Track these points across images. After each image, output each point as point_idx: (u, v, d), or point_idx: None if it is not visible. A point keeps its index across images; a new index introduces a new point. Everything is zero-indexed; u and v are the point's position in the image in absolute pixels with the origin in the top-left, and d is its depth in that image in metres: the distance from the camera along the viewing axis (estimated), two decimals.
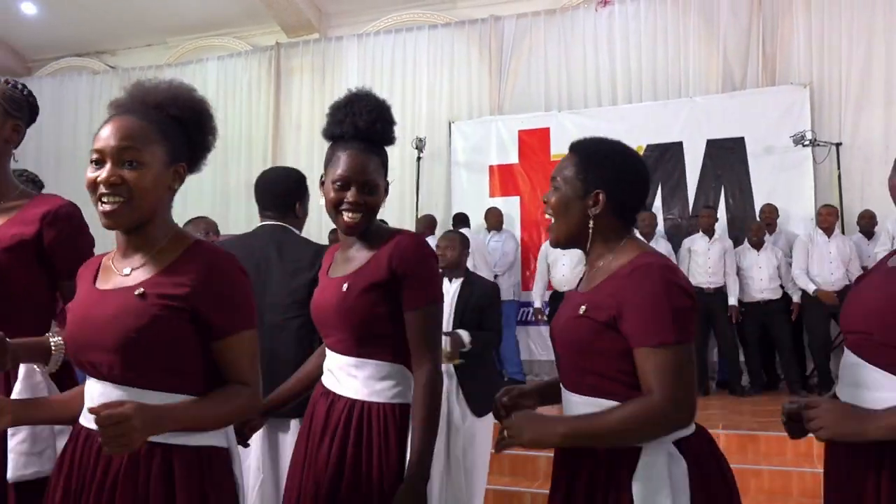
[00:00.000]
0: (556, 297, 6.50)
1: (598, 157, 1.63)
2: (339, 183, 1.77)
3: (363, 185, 1.77)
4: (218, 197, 8.65)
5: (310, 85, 8.56)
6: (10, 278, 1.79)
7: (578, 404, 1.54)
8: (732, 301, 6.21)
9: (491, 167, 7.74)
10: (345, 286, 1.76)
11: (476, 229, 7.23)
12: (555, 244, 1.67)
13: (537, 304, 6.85)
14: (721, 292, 6.25)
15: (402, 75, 8.21)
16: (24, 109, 1.97)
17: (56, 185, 9.22)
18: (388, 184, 1.85)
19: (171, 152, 1.45)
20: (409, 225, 7.46)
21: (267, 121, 8.65)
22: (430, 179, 7.91)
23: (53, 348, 1.71)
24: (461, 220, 7.10)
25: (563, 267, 6.55)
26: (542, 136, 7.59)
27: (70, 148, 9.36)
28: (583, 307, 1.53)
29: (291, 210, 2.97)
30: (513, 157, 7.68)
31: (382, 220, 2.84)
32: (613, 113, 7.40)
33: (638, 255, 1.54)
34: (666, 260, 1.54)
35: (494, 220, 7.29)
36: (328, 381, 1.83)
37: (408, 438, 1.70)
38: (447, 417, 3.60)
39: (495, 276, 6.77)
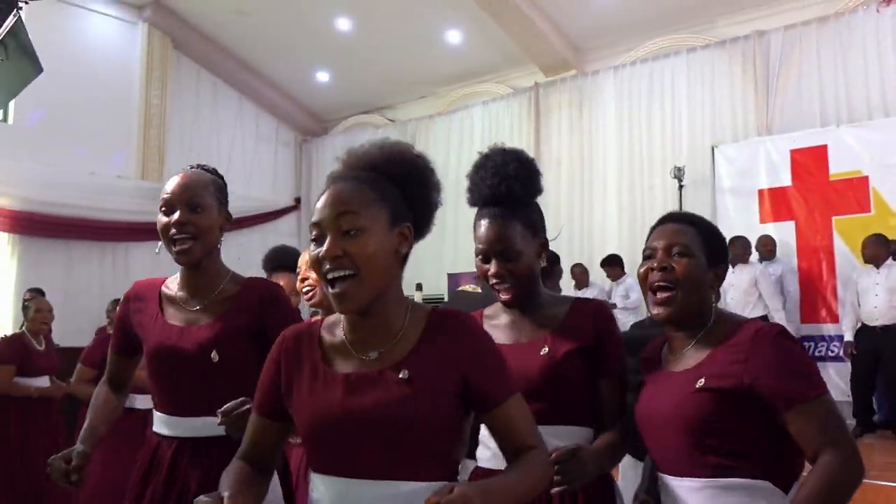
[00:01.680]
0: (864, 331, 5.93)
1: (713, 230, 1.62)
2: (480, 257, 1.73)
3: (502, 255, 1.69)
4: None
5: (568, 120, 8.74)
6: (244, 367, 1.78)
7: (697, 489, 1.46)
8: None
9: (760, 191, 7.27)
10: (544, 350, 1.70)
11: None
12: (667, 319, 1.57)
13: (848, 338, 6.10)
14: None
15: (661, 102, 8.06)
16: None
17: None
18: (541, 242, 1.76)
19: (392, 212, 1.32)
20: None
21: None
22: (694, 208, 7.61)
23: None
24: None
25: (877, 298, 5.88)
26: (819, 154, 6.97)
27: None
28: (700, 381, 1.46)
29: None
30: (785, 180, 7.14)
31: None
32: None
33: (743, 322, 1.54)
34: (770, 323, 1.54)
35: (767, 248, 6.85)
36: None
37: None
38: None
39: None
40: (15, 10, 2.21)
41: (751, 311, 6.28)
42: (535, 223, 1.74)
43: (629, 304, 7.36)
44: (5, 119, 8.37)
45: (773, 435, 1.44)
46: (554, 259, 4.13)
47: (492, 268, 1.70)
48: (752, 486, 1.43)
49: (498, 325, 1.79)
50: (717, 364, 1.48)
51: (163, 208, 1.85)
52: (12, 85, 2.36)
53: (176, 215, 1.82)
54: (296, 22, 9.19)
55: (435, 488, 1.14)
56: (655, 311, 1.58)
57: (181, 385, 1.81)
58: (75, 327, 7.24)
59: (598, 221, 8.37)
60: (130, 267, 8.84)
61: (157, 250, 1.94)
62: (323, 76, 10.38)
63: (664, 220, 1.64)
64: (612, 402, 1.69)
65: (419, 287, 7.44)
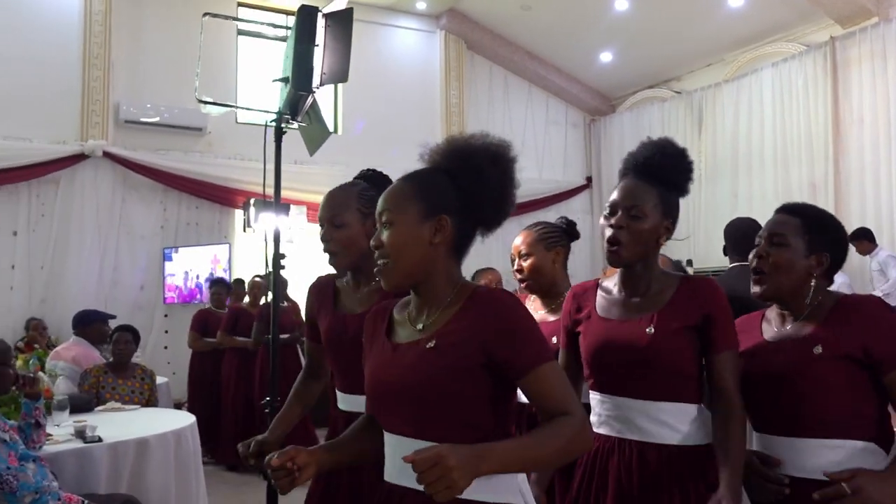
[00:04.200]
0: None
1: (819, 220, 1.79)
2: (606, 210, 1.89)
3: (628, 211, 1.83)
4: (781, 199, 8.66)
5: (870, 74, 7.98)
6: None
7: (815, 447, 1.66)
8: None
9: None
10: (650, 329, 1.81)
11: None
12: (760, 296, 1.81)
13: None
14: None
15: None
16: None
17: None
18: (669, 226, 1.87)
19: (426, 206, 1.47)
20: None
21: (826, 118, 8.36)
22: None
23: None
24: None
25: None
26: None
27: None
28: (817, 347, 1.67)
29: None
30: None
31: None
32: None
33: (844, 297, 1.74)
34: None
35: None
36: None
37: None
38: None
39: None
40: (311, 94, 3.00)
41: None
42: (667, 203, 1.88)
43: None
44: (335, 131, 9.96)
45: (875, 398, 1.64)
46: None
47: (614, 221, 1.85)
48: (860, 447, 1.63)
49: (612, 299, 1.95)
50: (829, 334, 1.70)
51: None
52: (314, 142, 3.15)
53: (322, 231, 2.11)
54: (576, 8, 9.58)
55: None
56: (752, 289, 1.84)
57: (349, 366, 1.97)
58: None
59: None
60: None
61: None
62: (606, 56, 10.62)
63: (777, 211, 1.87)
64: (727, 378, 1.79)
65: (689, 262, 7.48)
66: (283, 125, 3.21)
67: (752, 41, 9.40)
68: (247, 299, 6.98)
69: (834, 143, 8.28)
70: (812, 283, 1.77)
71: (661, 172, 1.86)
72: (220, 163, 9.02)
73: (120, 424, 3.83)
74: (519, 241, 2.59)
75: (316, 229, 2.25)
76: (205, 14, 4.25)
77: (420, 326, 1.49)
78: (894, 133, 7.74)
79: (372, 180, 2.18)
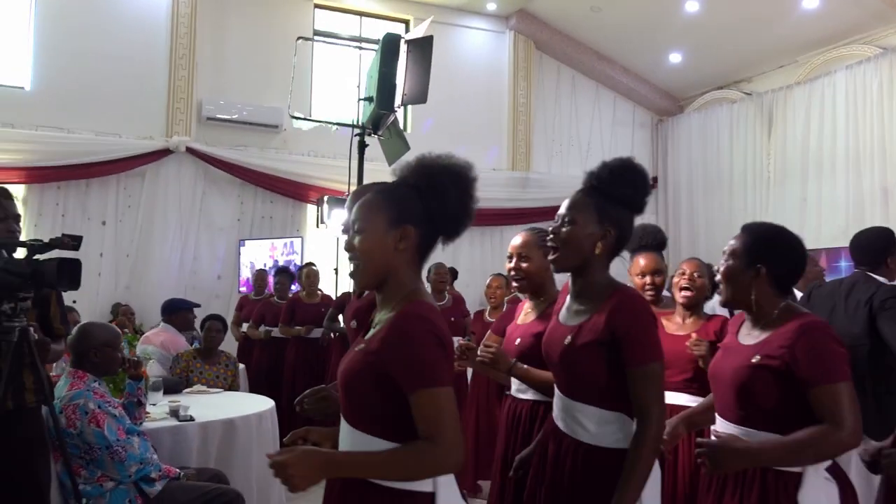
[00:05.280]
0: None
1: (762, 235, 2.07)
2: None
3: (561, 219, 2.06)
4: (852, 204, 8.62)
5: None
6: None
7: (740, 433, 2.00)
8: None
9: None
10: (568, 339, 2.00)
11: None
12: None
13: None
14: None
15: None
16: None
17: (706, 209, 10.54)
18: (608, 232, 2.01)
19: (393, 217, 1.65)
20: None
21: None
22: None
23: None
24: None
25: None
26: None
27: (715, 172, 10.58)
28: (756, 357, 1.94)
29: (882, 263, 3.57)
30: None
31: None
32: None
33: (795, 315, 2.00)
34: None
35: None
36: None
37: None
38: None
39: None
40: (394, 112, 3.24)
41: None
42: (603, 212, 2.04)
43: None
44: (405, 128, 10.22)
45: (797, 404, 1.90)
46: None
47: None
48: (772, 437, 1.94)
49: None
50: (770, 347, 1.97)
51: None
52: (394, 154, 3.39)
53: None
54: (645, 10, 9.60)
55: (374, 442, 1.55)
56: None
57: None
58: (464, 296, 8.63)
59: None
60: (504, 246, 10.07)
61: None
62: (675, 57, 10.60)
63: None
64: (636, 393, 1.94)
65: None
66: (365, 138, 3.45)
67: (825, 43, 9.27)
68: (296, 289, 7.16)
69: None
70: (751, 293, 2.06)
71: (603, 185, 2.03)
72: (295, 159, 9.40)
73: (208, 406, 4.15)
74: (518, 243, 2.74)
75: None
76: (298, 38, 4.51)
77: (376, 322, 1.69)
78: None
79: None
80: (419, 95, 3.28)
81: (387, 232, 1.65)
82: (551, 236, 2.06)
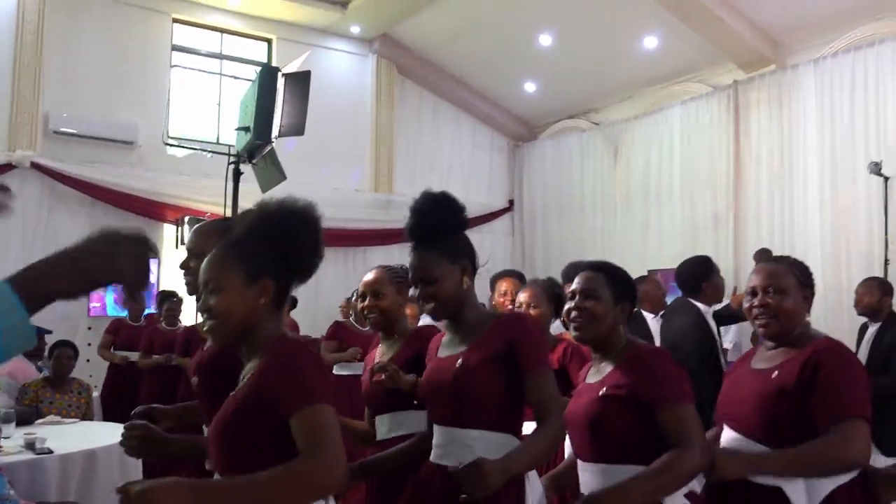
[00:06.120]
0: None
1: (619, 273, 2.19)
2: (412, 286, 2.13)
3: (422, 282, 2.06)
4: (687, 228, 9.43)
5: (767, 116, 8.75)
6: None
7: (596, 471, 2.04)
8: None
9: None
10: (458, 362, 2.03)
11: None
12: (580, 340, 2.19)
13: None
14: None
15: (864, 93, 7.86)
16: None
17: (559, 231, 11.13)
18: (465, 266, 2.07)
19: (249, 272, 1.64)
20: (876, 258, 7.17)
21: (728, 156, 9.09)
22: None
23: None
24: None
25: None
26: None
27: (567, 196, 11.21)
28: (603, 389, 2.04)
29: (699, 289, 3.98)
30: None
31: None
32: None
33: (639, 345, 2.18)
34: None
35: None
36: None
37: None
38: None
39: None
40: (270, 143, 3.29)
41: None
42: (449, 253, 2.06)
43: None
44: None
45: (647, 432, 1.98)
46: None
47: (419, 293, 2.07)
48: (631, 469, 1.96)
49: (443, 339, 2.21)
50: (615, 378, 2.05)
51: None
52: (269, 183, 3.44)
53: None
54: (503, 41, 10.08)
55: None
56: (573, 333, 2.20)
57: None
58: (325, 318, 8.66)
59: (799, 218, 8.32)
60: (368, 267, 10.22)
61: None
62: (530, 86, 11.17)
63: (581, 269, 2.21)
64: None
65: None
66: (240, 166, 3.49)
67: (663, 80, 10.10)
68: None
69: (735, 178, 9.01)
70: (621, 331, 2.14)
71: (434, 230, 2.07)
72: (151, 177, 9.07)
73: (65, 436, 4.00)
74: (370, 279, 2.77)
75: None
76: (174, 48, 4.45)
77: (245, 373, 1.69)
78: (787, 172, 8.50)
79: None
80: (297, 128, 3.36)
81: (245, 289, 1.64)
82: (422, 300, 2.08)
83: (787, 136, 8.53)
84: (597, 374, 2.15)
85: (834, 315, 7.43)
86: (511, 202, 12.31)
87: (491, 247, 11.79)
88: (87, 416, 4.96)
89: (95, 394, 5.96)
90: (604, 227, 10.50)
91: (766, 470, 1.94)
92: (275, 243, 1.67)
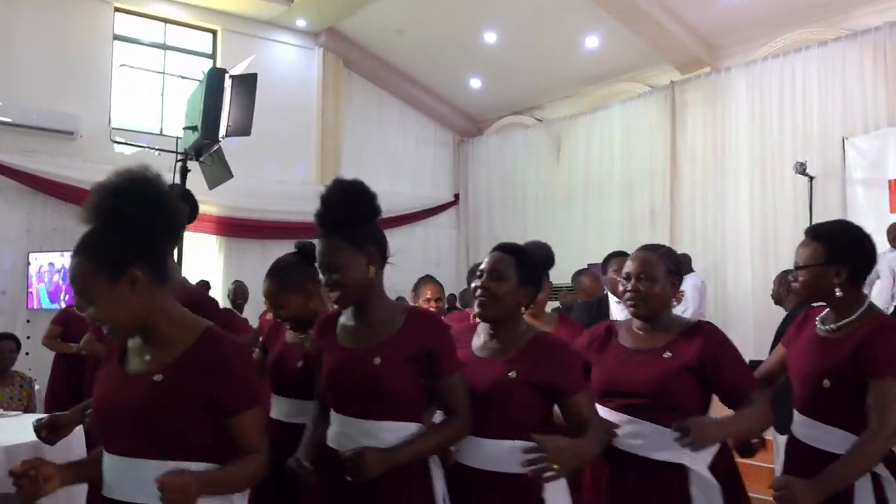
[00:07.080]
0: None
1: (529, 258, 2.20)
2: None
3: (327, 269, 2.01)
4: (626, 223, 9.75)
5: (702, 117, 9.11)
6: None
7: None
8: None
9: (890, 181, 7.37)
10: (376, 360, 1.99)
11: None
12: (482, 319, 2.19)
13: None
14: None
15: (792, 96, 8.26)
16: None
17: (503, 225, 11.33)
18: (372, 255, 2.02)
19: (110, 271, 1.56)
20: None
21: (665, 154, 9.43)
22: (825, 200, 7.81)
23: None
24: None
25: None
26: None
27: (511, 191, 11.43)
28: (512, 372, 2.07)
29: None
30: None
31: None
32: None
33: (540, 333, 2.21)
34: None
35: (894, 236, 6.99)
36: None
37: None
38: None
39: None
40: (218, 143, 3.35)
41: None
42: (358, 243, 2.01)
43: None
44: None
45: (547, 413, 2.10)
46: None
47: (325, 280, 2.03)
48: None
49: (344, 326, 2.13)
50: (526, 361, 2.09)
51: None
52: (215, 180, 3.49)
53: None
54: (448, 37, 10.22)
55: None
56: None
57: None
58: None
59: (731, 214, 8.71)
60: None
61: None
62: (475, 82, 11.34)
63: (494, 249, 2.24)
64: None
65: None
66: (187, 164, 3.55)
67: (604, 79, 10.39)
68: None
69: (671, 175, 9.35)
70: (520, 312, 2.18)
71: (341, 219, 2.01)
72: (92, 167, 8.89)
73: (9, 429, 3.98)
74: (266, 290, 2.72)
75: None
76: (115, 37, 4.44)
77: (148, 358, 1.65)
78: (720, 170, 8.86)
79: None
80: (244, 128, 3.43)
81: (113, 288, 1.56)
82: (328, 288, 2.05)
83: (720, 135, 8.89)
84: (489, 351, 2.18)
85: (762, 306, 7.79)
86: (456, 196, 12.48)
87: (436, 240, 11.98)
88: (29, 408, 4.93)
89: (38, 386, 5.89)
90: (546, 221, 10.75)
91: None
92: (119, 227, 1.58)
